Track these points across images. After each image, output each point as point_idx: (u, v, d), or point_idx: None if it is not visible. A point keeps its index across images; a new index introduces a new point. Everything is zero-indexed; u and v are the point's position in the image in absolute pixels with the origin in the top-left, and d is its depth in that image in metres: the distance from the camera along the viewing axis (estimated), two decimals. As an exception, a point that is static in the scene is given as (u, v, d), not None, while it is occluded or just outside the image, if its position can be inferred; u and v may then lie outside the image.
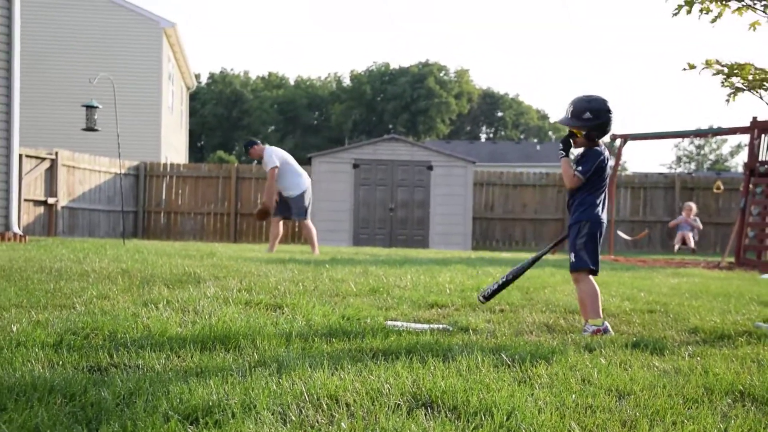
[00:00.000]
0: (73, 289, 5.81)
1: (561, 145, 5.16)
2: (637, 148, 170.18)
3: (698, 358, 4.17)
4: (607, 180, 5.20)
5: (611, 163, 5.22)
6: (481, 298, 5.47)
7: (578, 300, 5.25)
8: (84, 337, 4.00)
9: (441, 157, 23.02)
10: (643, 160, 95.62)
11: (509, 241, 23.92)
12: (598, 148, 5.09)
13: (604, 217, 5.16)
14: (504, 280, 5.41)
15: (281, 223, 13.23)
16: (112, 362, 3.51)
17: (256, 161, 12.96)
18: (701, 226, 17.51)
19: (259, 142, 13.32)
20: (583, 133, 5.07)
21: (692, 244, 18.72)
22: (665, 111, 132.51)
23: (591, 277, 5.13)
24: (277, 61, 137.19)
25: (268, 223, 21.23)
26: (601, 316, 5.06)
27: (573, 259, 5.12)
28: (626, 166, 75.34)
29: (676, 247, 19.19)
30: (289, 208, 13.03)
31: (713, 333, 5.12)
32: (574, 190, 5.15)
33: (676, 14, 4.71)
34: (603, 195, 5.17)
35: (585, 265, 5.08)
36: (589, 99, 5.08)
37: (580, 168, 5.06)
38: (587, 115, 5.03)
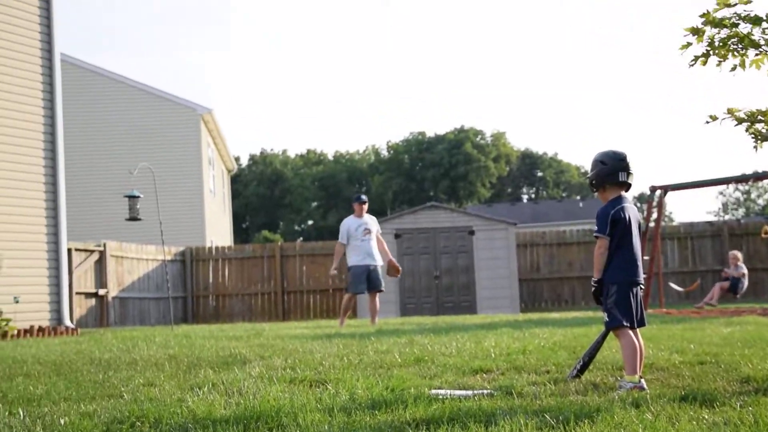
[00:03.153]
0: (121, 378, 5.88)
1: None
2: (681, 198, 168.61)
3: (749, 408, 4.08)
4: (633, 233, 5.18)
5: (633, 214, 5.21)
6: (570, 377, 5.44)
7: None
8: (130, 425, 4.04)
9: (481, 221, 23.01)
10: (688, 210, 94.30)
11: (558, 300, 23.66)
12: (609, 204, 5.23)
13: (636, 273, 5.15)
14: (585, 360, 5.50)
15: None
16: (158, 448, 3.54)
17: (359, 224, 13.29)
18: (744, 273, 17.09)
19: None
20: (593, 183, 5.34)
21: (715, 297, 17.39)
22: (710, 159, 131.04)
23: (631, 332, 5.10)
24: (315, 138, 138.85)
25: (341, 296, 21.36)
26: (638, 372, 4.99)
27: (606, 318, 5.21)
28: (672, 217, 74.53)
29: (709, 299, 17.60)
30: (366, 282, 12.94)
31: (766, 381, 5.01)
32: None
33: (692, 65, 4.72)
34: (630, 251, 5.16)
35: (618, 323, 5.12)
36: (599, 152, 5.39)
37: (594, 230, 5.25)
38: (593, 165, 5.36)
